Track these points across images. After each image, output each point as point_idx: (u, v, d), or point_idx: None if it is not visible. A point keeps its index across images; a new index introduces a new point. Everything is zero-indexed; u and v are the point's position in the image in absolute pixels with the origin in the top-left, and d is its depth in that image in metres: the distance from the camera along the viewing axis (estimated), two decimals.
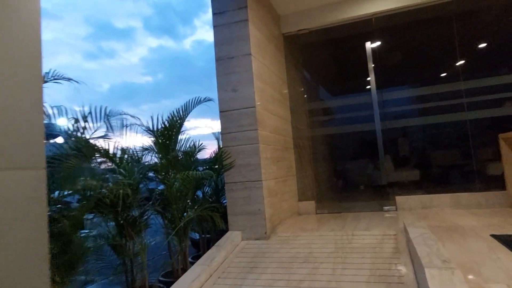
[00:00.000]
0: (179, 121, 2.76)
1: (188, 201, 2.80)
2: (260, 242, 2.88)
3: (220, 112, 3.14)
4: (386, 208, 3.88)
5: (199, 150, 3.22)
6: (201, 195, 3.30)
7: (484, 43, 4.18)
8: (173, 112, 2.70)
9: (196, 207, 2.84)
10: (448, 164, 7.59)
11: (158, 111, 3.90)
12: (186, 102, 2.79)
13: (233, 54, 3.13)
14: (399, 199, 3.80)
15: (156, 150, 2.68)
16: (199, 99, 2.85)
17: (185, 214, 2.73)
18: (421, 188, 5.05)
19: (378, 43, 4.24)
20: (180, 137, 3.01)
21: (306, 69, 5.43)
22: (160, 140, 2.66)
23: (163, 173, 2.63)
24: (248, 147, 3.02)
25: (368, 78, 4.07)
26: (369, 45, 4.24)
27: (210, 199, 3.16)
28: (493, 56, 4.12)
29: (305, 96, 5.20)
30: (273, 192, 3.25)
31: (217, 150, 3.48)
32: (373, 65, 4.09)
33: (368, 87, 4.07)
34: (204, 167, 3.24)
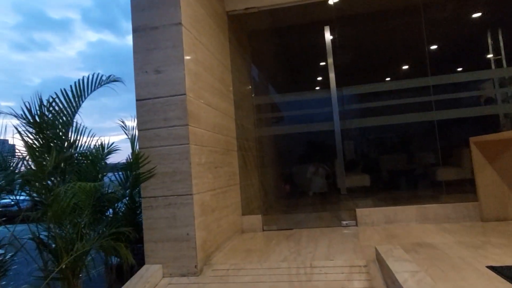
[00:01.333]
0: (70, 109, 1.89)
1: (83, 224, 1.93)
2: (188, 281, 2.09)
3: (137, 100, 2.31)
4: (345, 223, 3.29)
5: (109, 153, 2.35)
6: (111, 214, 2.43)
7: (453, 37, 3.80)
8: (58, 95, 1.82)
9: (97, 234, 1.98)
10: (407, 169, 7.37)
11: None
12: (79, 80, 1.92)
13: (156, 23, 2.32)
14: (360, 212, 3.23)
15: (26, 149, 1.78)
16: (100, 78, 2.00)
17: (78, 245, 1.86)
18: (380, 198, 4.59)
19: (339, 32, 3.68)
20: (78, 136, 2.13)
21: (254, 59, 4.75)
22: (34, 135, 1.78)
23: (38, 184, 1.75)
24: (175, 149, 2.22)
25: (328, 73, 3.48)
26: (328, 36, 3.66)
27: (121, 220, 2.30)
28: (463, 49, 3.80)
29: (252, 89, 4.51)
30: (209, 208, 2.48)
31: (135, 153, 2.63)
32: (332, 58, 3.50)
33: (318, 81, 3.49)
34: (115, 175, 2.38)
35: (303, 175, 7.56)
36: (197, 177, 2.30)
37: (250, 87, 4.54)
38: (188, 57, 2.34)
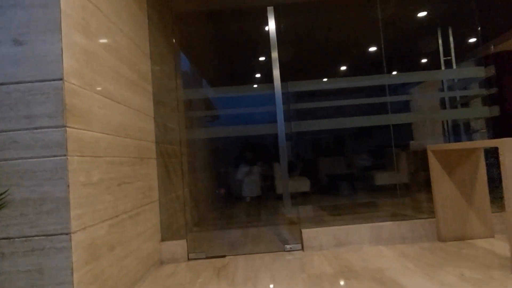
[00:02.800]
0: None
1: None
2: None
3: None
4: (288, 247, 2.73)
5: None
6: None
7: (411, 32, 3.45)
8: None
9: None
10: (346, 172, 7.12)
11: None
12: None
13: None
14: (306, 234, 2.69)
15: None
16: None
17: None
18: (322, 207, 4.14)
19: (284, 20, 3.12)
20: None
21: (185, 46, 4.02)
22: None
23: None
24: (43, 163, 1.44)
25: (272, 66, 2.89)
26: (272, 24, 3.07)
27: None
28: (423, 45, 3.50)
29: (180, 81, 3.77)
30: (104, 247, 1.73)
31: None
32: (276, 49, 2.92)
33: (260, 75, 2.91)
34: None
35: (238, 178, 6.97)
36: (82, 205, 1.53)
37: (177, 79, 3.80)
38: (69, 24, 1.56)
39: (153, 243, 2.56)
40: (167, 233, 2.84)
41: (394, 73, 2.84)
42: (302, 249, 2.69)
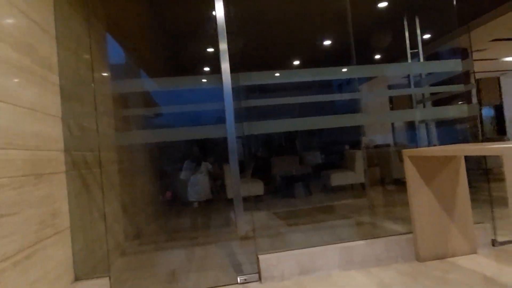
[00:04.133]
0: None
1: None
2: None
3: None
4: (242, 278, 2.19)
5: None
6: None
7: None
8: None
9: None
10: (301, 173, 6.67)
11: None
12: None
13: None
14: (264, 261, 2.17)
15: None
16: None
17: None
18: (279, 214, 3.65)
19: (236, 7, 2.55)
20: None
21: (114, 30, 3.32)
22: None
23: None
24: None
25: (220, 60, 2.31)
26: (221, 10, 2.49)
27: None
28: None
29: (108, 72, 3.08)
30: None
31: None
32: (226, 40, 2.35)
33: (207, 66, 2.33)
34: None
35: (183, 178, 6.30)
36: None
37: (106, 71, 3.09)
38: None
39: (61, 285, 1.89)
40: (86, 267, 2.17)
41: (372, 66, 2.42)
42: (260, 279, 2.17)
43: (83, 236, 2.23)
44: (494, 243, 2.44)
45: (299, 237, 3.08)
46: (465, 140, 5.34)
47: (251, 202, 5.59)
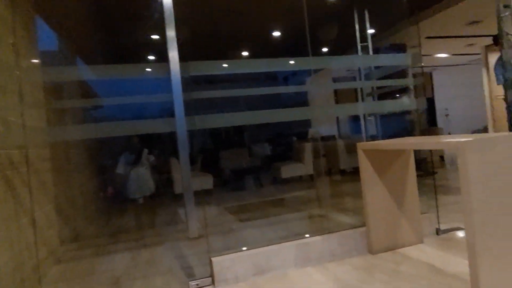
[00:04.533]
0: None
1: None
2: None
3: None
4: (194, 283, 2.05)
5: None
6: None
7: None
8: None
9: None
10: (251, 166, 6.56)
11: None
12: None
13: None
14: (218, 263, 2.05)
15: None
16: None
17: None
18: (230, 209, 3.52)
19: None
20: None
21: (44, 11, 2.94)
22: None
23: None
24: None
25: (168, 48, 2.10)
26: None
27: None
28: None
29: (37, 58, 2.72)
30: None
31: None
32: (174, 25, 2.14)
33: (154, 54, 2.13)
34: None
35: (120, 172, 5.92)
36: None
37: (35, 57, 2.73)
38: None
39: None
40: (12, 283, 1.89)
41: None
42: (213, 283, 2.04)
43: (9, 247, 1.94)
44: (438, 232, 2.55)
45: (252, 234, 3.00)
46: (406, 131, 5.62)
47: (201, 197, 5.42)
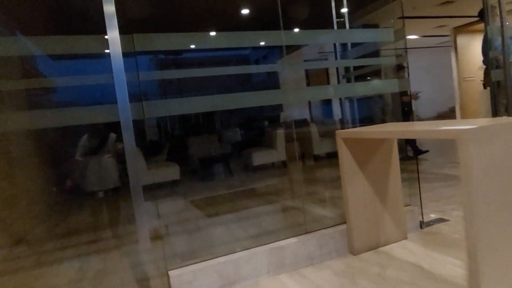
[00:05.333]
0: None
1: None
2: None
3: None
4: None
5: None
6: None
7: None
8: None
9: None
10: (221, 154, 6.14)
11: None
12: None
13: None
14: (176, 277, 1.72)
15: None
16: None
17: None
18: (197, 204, 3.17)
19: None
20: None
21: None
22: None
23: None
24: None
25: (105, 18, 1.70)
26: None
27: None
28: None
29: None
30: None
31: None
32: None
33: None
34: None
35: (83, 162, 5.39)
36: None
37: None
38: None
39: None
40: None
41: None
42: None
43: None
44: (421, 225, 2.35)
45: (220, 232, 2.69)
46: (380, 115, 5.44)
47: (165, 189, 5.04)
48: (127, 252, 2.55)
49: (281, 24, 1.90)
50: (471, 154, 1.24)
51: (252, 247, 1.91)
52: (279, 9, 1.93)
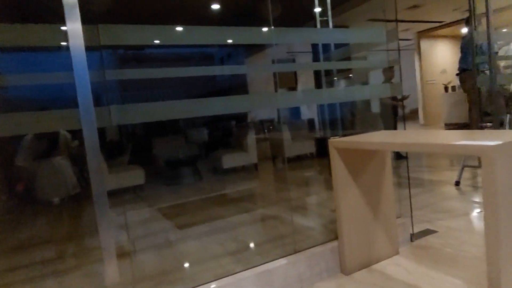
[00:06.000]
0: None
1: None
2: None
3: None
4: None
5: None
6: None
7: None
8: None
9: None
10: (189, 156, 5.79)
11: None
12: None
13: None
14: None
15: None
16: None
17: None
18: (165, 213, 2.88)
19: None
20: None
21: None
22: None
23: None
24: None
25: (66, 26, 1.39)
26: None
27: None
28: None
29: None
30: None
31: None
32: None
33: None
34: None
35: (30, 167, 4.86)
36: None
37: None
38: None
39: None
40: None
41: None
42: None
43: None
44: (412, 238, 2.24)
45: (194, 248, 2.44)
46: (346, 115, 5.39)
47: (128, 195, 4.67)
48: (89, 272, 2.23)
49: (271, 21, 1.69)
50: (497, 171, 1.10)
51: (238, 272, 1.68)
52: (269, 4, 1.71)
